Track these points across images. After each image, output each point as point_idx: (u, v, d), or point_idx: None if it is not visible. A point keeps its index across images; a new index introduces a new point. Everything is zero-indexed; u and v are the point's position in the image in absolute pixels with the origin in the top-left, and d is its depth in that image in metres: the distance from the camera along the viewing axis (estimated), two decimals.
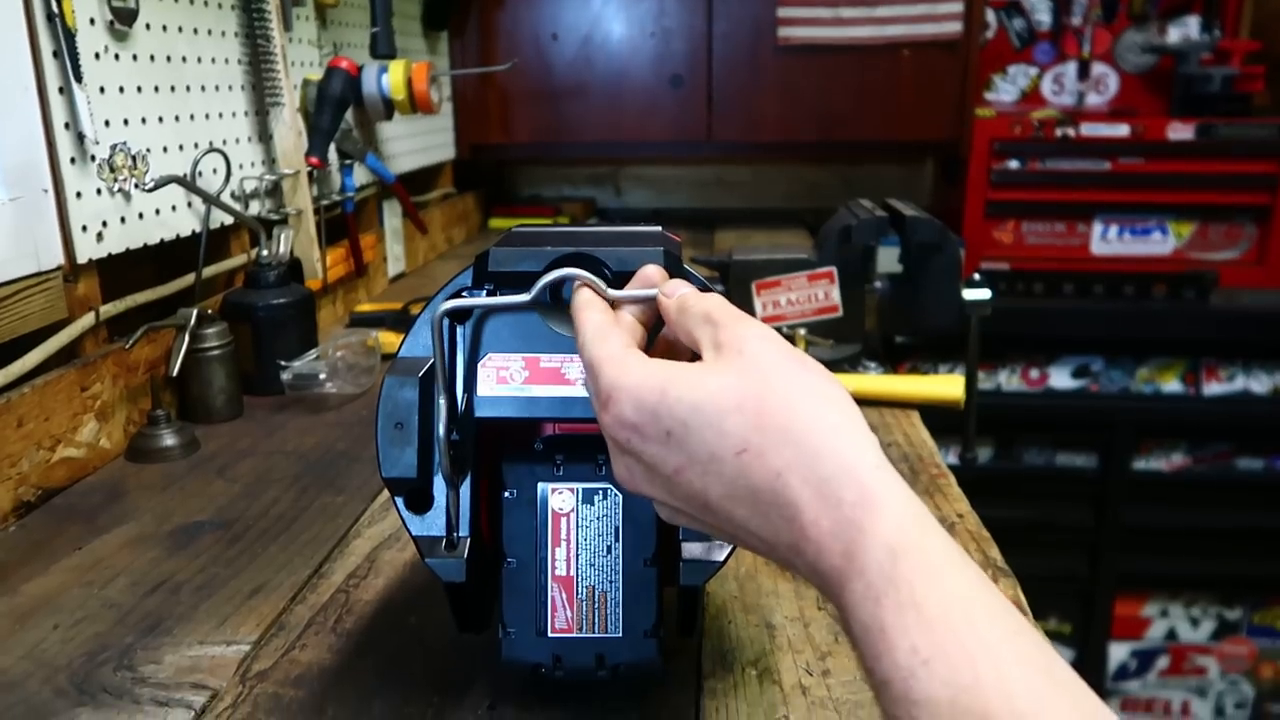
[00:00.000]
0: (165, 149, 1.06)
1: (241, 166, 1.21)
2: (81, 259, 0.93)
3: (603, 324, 0.46)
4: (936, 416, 1.08)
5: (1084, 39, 2.35)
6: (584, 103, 2.21)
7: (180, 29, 1.08)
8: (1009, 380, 2.20)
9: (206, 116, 1.14)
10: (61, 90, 0.89)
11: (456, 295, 0.52)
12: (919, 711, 0.31)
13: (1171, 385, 2.16)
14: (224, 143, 1.17)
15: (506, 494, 0.53)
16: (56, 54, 0.88)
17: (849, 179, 2.51)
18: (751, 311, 1.17)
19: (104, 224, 0.95)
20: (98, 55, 0.95)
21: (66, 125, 0.90)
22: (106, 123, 0.96)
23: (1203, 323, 2.06)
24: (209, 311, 1.06)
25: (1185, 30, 2.30)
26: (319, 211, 1.34)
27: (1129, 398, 2.16)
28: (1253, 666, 2.26)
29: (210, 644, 0.64)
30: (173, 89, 1.07)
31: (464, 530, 0.52)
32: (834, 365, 1.17)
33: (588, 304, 0.47)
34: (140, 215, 1.01)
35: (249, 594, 0.70)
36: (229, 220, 1.17)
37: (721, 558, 0.52)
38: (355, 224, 1.48)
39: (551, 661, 0.53)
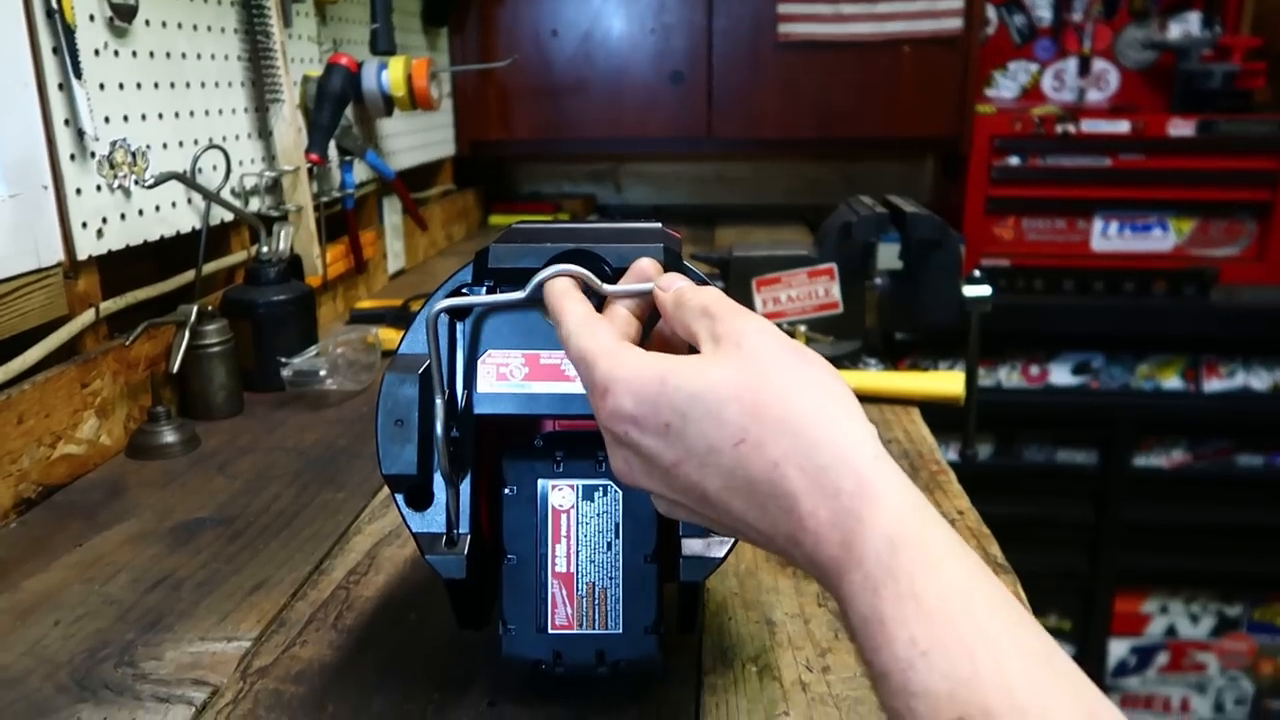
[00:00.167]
0: (165, 145, 1.06)
1: (241, 163, 1.21)
2: (81, 255, 0.92)
3: (588, 315, 0.45)
4: (937, 413, 1.08)
5: (1085, 35, 2.35)
6: (584, 99, 2.21)
7: (180, 25, 1.08)
8: (1009, 377, 2.20)
9: (206, 113, 1.14)
10: (61, 87, 0.89)
11: (456, 292, 0.52)
12: (917, 703, 0.31)
13: (1172, 382, 2.16)
14: (224, 139, 1.17)
15: (506, 490, 0.53)
16: (56, 50, 0.88)
17: (849, 175, 2.51)
18: (752, 308, 1.17)
19: (104, 220, 0.95)
20: (97, 52, 0.95)
21: (66, 122, 0.90)
22: (106, 119, 0.96)
23: (1203, 319, 2.06)
24: (209, 308, 1.06)
25: (1186, 26, 2.30)
26: (319, 208, 1.34)
27: (1129, 394, 2.16)
28: (1252, 663, 2.26)
29: (211, 640, 0.64)
30: (172, 85, 1.07)
31: (464, 527, 0.52)
32: (834, 362, 1.16)
33: (565, 293, 0.47)
34: (140, 212, 1.01)
35: (250, 590, 0.70)
36: (229, 217, 1.17)
37: (721, 554, 0.52)
38: (355, 220, 1.48)
39: (552, 658, 0.53)
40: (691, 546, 0.52)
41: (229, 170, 1.15)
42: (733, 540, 0.52)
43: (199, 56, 1.12)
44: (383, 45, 1.44)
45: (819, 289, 1.18)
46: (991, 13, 2.35)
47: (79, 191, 0.92)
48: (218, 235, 1.19)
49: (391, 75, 1.39)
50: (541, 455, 0.53)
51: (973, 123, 2.13)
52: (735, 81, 2.18)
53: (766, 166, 2.57)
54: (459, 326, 0.52)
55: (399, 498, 0.53)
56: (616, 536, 0.53)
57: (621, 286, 0.48)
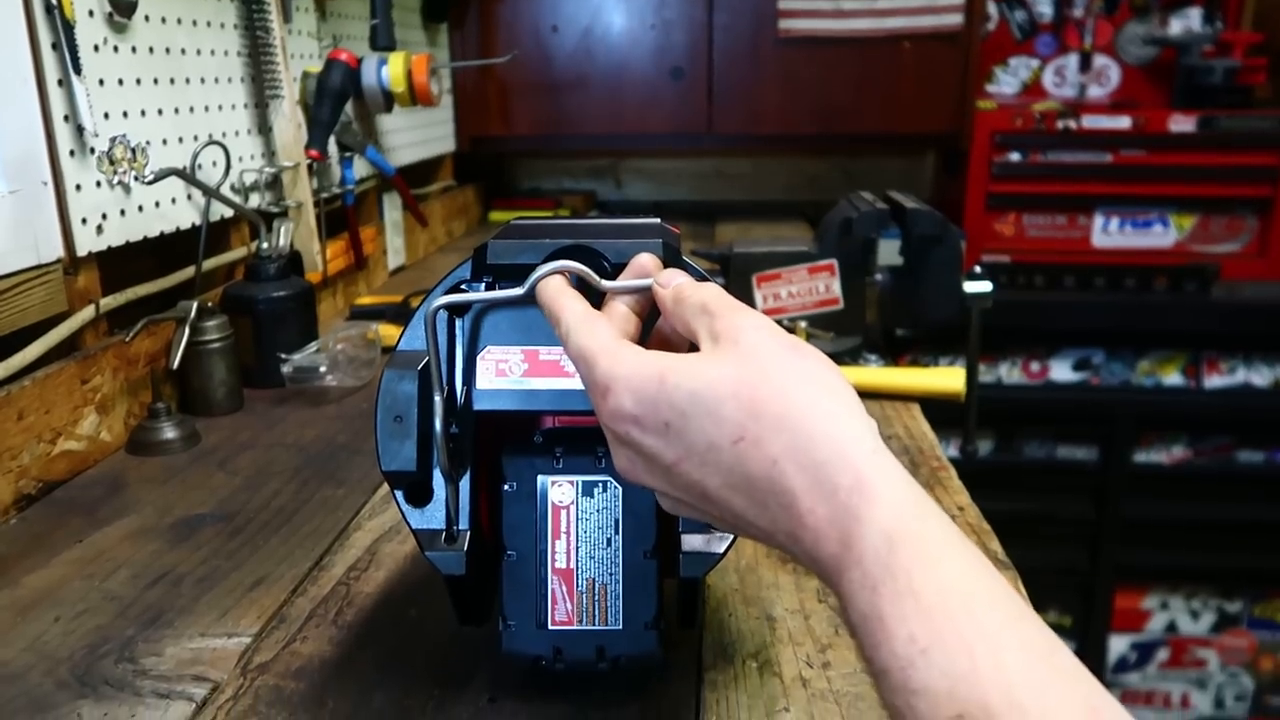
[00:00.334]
0: (165, 141, 1.06)
1: (241, 159, 1.21)
2: (81, 251, 0.92)
3: (586, 313, 0.45)
4: (937, 409, 1.08)
5: (1085, 31, 2.34)
6: (584, 95, 2.20)
7: (179, 21, 1.08)
8: (1010, 373, 2.20)
9: (206, 109, 1.14)
10: (60, 82, 0.89)
11: (455, 289, 0.52)
12: (917, 701, 0.31)
13: (1172, 378, 2.16)
14: (223, 135, 1.17)
15: (506, 487, 0.53)
16: (55, 46, 0.88)
17: (850, 171, 2.51)
18: (752, 305, 1.17)
19: (104, 217, 0.95)
20: (97, 47, 0.95)
21: (66, 118, 0.90)
22: (106, 115, 0.96)
23: (1204, 315, 2.06)
24: (209, 304, 1.06)
25: (1187, 22, 2.30)
26: (319, 204, 1.33)
27: (1130, 390, 2.16)
28: (1252, 659, 2.26)
29: (211, 636, 0.64)
30: (172, 81, 1.07)
31: (464, 523, 0.52)
32: (835, 358, 1.16)
33: (562, 291, 0.47)
34: (140, 208, 1.01)
35: (250, 586, 0.70)
36: (229, 213, 1.17)
37: (721, 550, 0.52)
38: (355, 217, 1.48)
39: (552, 654, 0.53)
40: (691, 542, 0.52)
41: (229, 166, 1.15)
42: (732, 536, 0.52)
43: (199, 52, 1.12)
44: (382, 41, 1.44)
45: (819, 285, 1.18)
46: (992, 8, 2.34)
47: (79, 187, 0.92)
48: (218, 231, 1.19)
49: (391, 71, 1.39)
50: (541, 451, 0.53)
51: (973, 118, 2.12)
52: (736, 77, 2.17)
53: (767, 162, 2.56)
54: (458, 323, 0.52)
55: (398, 494, 0.53)
56: (616, 532, 0.53)
57: (620, 283, 0.47)
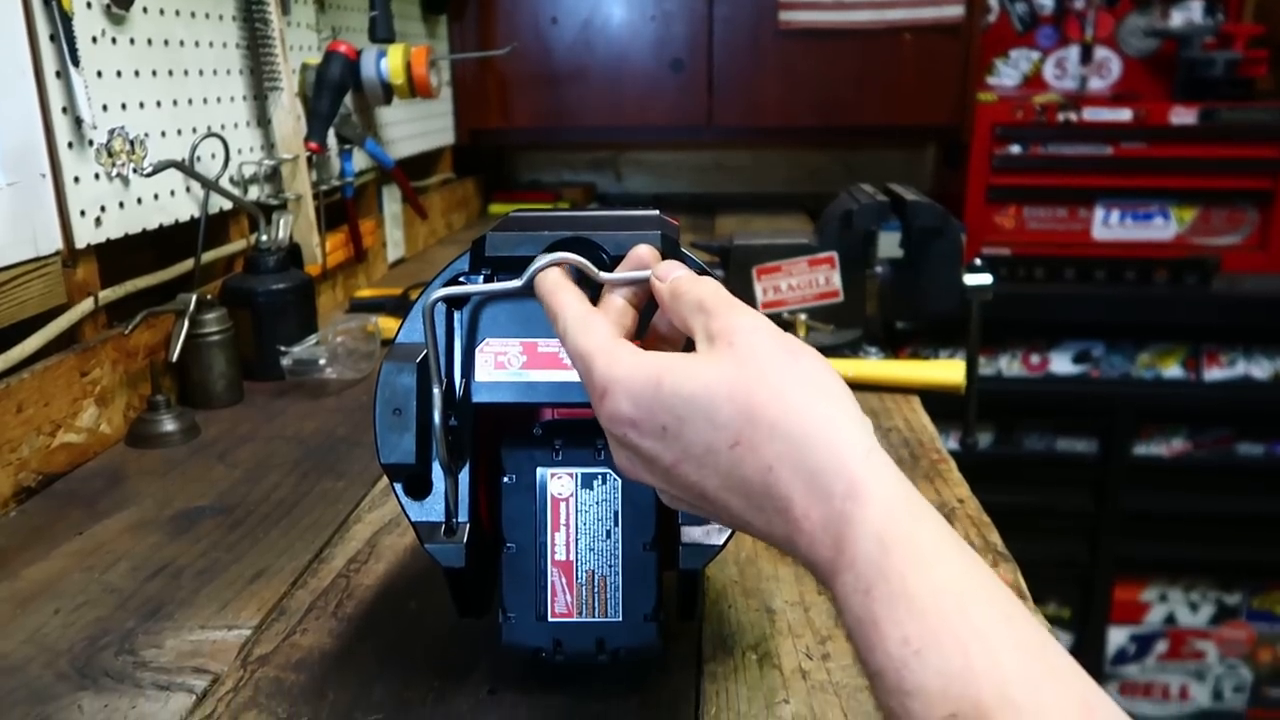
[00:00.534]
0: (164, 134, 1.06)
1: (240, 151, 1.21)
2: (80, 244, 0.92)
3: (583, 311, 0.45)
4: (937, 402, 1.08)
5: (1086, 23, 2.33)
6: (584, 87, 2.20)
7: (178, 13, 1.08)
8: (1010, 365, 2.20)
9: (205, 101, 1.13)
10: (59, 74, 0.89)
11: (453, 281, 0.52)
12: (912, 701, 0.31)
13: (1172, 370, 2.16)
14: (222, 127, 1.17)
15: (505, 479, 0.53)
16: (53, 38, 0.88)
17: (850, 164, 2.51)
18: (752, 297, 1.17)
19: (102, 209, 0.95)
20: (95, 39, 0.94)
21: (64, 109, 0.89)
22: (104, 107, 0.95)
23: (1204, 308, 2.06)
24: (208, 297, 1.06)
25: (1188, 14, 2.29)
26: (318, 197, 1.33)
27: (1130, 383, 2.16)
28: (1251, 651, 2.27)
29: (211, 628, 0.64)
30: (170, 73, 1.07)
31: (463, 516, 0.52)
32: (835, 350, 1.17)
33: (560, 286, 0.47)
34: (139, 200, 1.01)
35: (250, 579, 0.70)
36: (228, 205, 1.16)
37: (720, 542, 0.52)
38: (355, 209, 1.48)
39: (552, 646, 0.53)
40: (691, 534, 0.52)
41: (228, 158, 1.14)
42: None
43: (197, 44, 1.12)
44: (381, 33, 1.43)
45: (819, 277, 1.18)
46: (993, 0, 2.33)
47: (77, 180, 0.91)
48: (217, 224, 1.18)
49: (390, 63, 1.39)
50: (540, 443, 0.53)
51: (974, 111, 2.12)
52: (736, 69, 2.17)
53: (767, 155, 2.56)
54: (457, 315, 0.52)
55: (397, 487, 0.53)
56: (616, 524, 0.53)
57: (618, 275, 0.47)
